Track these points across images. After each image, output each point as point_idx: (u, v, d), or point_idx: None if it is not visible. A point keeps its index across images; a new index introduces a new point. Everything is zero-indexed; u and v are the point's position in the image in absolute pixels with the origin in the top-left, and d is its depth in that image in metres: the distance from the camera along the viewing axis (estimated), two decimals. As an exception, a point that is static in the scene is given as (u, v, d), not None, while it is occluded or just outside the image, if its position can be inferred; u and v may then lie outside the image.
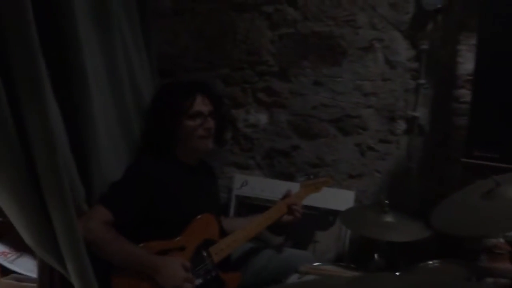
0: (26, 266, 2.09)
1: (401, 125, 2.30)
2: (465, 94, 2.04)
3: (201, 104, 1.79)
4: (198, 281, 1.66)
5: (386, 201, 1.97)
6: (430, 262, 1.68)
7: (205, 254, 1.71)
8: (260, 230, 1.86)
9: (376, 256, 1.83)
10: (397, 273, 1.47)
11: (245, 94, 2.42)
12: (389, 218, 1.93)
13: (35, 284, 1.70)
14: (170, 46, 2.40)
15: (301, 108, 2.37)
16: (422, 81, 2.22)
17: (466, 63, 2.04)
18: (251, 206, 2.45)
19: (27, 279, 2.01)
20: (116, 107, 1.78)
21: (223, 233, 1.83)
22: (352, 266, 1.94)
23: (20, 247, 2.09)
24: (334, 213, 2.33)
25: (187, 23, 2.38)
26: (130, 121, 1.87)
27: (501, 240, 2.20)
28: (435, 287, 0.92)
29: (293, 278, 1.76)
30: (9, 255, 2.17)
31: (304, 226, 2.42)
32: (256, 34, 2.34)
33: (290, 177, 2.43)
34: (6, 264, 2.17)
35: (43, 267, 1.49)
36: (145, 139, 1.86)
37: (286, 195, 1.96)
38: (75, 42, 1.35)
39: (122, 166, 1.71)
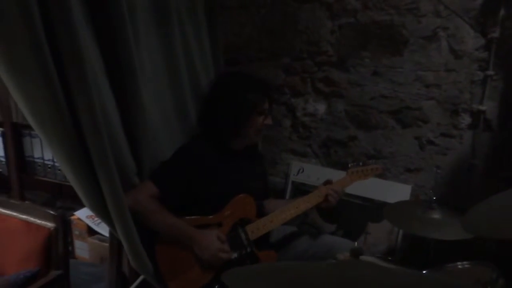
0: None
1: (466, 119, 2.16)
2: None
3: (266, 102, 1.91)
4: (234, 256, 1.80)
5: (434, 197, 1.91)
6: (460, 263, 1.60)
7: (241, 231, 1.84)
8: (297, 213, 1.90)
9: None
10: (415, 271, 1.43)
11: (305, 84, 2.47)
12: (435, 215, 1.87)
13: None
14: (235, 37, 2.55)
15: (359, 98, 2.35)
16: (490, 72, 2.06)
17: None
18: (306, 193, 2.50)
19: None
20: (173, 93, 1.99)
21: (263, 214, 1.93)
22: (389, 258, 1.92)
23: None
24: (388, 206, 2.29)
25: (251, 14, 2.50)
26: (187, 106, 2.07)
27: None
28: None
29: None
30: (95, 219, 2.56)
31: (357, 216, 2.43)
32: (316, 24, 2.37)
33: (345, 167, 2.42)
34: (93, 226, 2.55)
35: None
36: (203, 124, 1.97)
37: (328, 181, 1.99)
38: (124, 38, 1.56)
39: (175, 147, 1.91)
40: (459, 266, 1.58)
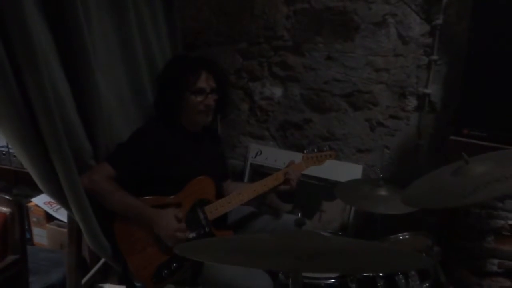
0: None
1: (412, 102, 2.29)
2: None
3: (204, 81, 1.93)
4: (192, 235, 1.85)
5: (381, 175, 2.02)
6: (401, 234, 1.73)
7: (200, 211, 1.89)
8: (254, 195, 1.97)
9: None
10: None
11: (262, 68, 2.53)
12: (382, 192, 1.99)
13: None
14: (193, 21, 2.56)
15: (314, 82, 2.44)
16: (435, 57, 2.18)
17: (481, 39, 1.98)
18: (264, 175, 2.58)
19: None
20: (130, 77, 2.00)
21: (222, 195, 1.99)
22: (340, 233, 2.03)
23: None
24: (341, 185, 2.41)
25: (209, -1, 2.52)
26: (144, 90, 2.08)
27: (510, 222, 2.17)
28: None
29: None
30: (54, 205, 2.54)
31: (312, 196, 2.54)
32: (272, 9, 2.42)
33: (301, 149, 2.51)
34: (51, 212, 2.54)
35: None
36: (155, 106, 2.04)
37: (288, 165, 2.07)
38: (77, 22, 1.56)
39: (132, 130, 1.93)
40: (400, 237, 1.70)
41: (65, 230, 2.14)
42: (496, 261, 2.23)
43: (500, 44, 1.68)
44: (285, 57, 2.46)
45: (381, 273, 1.53)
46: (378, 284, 1.54)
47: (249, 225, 2.11)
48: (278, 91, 2.53)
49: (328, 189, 2.47)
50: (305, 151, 2.10)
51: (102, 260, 2.25)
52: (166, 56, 2.26)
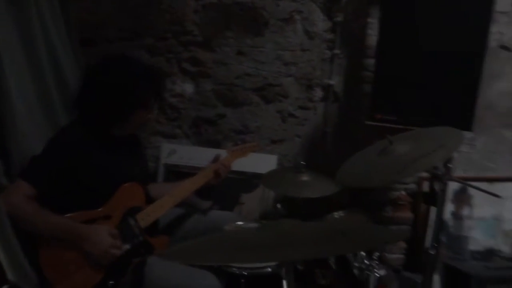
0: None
1: (318, 93, 2.47)
2: (373, 63, 2.23)
3: (155, 96, 1.80)
4: (126, 247, 1.73)
5: (303, 162, 2.15)
6: (336, 213, 1.88)
7: (131, 220, 1.77)
8: (186, 194, 1.93)
9: (278, 205, 2.00)
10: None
11: (170, 64, 2.45)
12: (305, 178, 2.12)
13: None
14: (90, 14, 2.35)
15: (225, 77, 2.46)
16: (337, 51, 2.38)
17: (376, 34, 2.21)
18: (180, 174, 2.53)
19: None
20: (35, 79, 1.77)
21: (151, 200, 1.90)
22: (263, 222, 2.11)
23: None
24: (258, 176, 2.47)
25: (108, -10, 2.34)
26: (50, 93, 1.86)
27: (403, 192, 2.49)
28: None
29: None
30: None
31: (230, 189, 2.57)
32: (180, 3, 2.35)
33: (217, 145, 2.54)
34: None
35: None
36: (80, 109, 1.78)
37: (214, 160, 2.06)
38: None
39: (42, 139, 1.71)
40: (336, 216, 1.86)
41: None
42: (394, 227, 2.55)
43: (404, 40, 1.92)
44: (195, 52, 2.42)
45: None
46: (329, 261, 1.69)
47: (180, 227, 2.06)
48: (189, 88, 2.49)
49: (246, 181, 2.53)
50: (229, 145, 2.13)
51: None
52: (68, 53, 2.03)
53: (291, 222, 1.09)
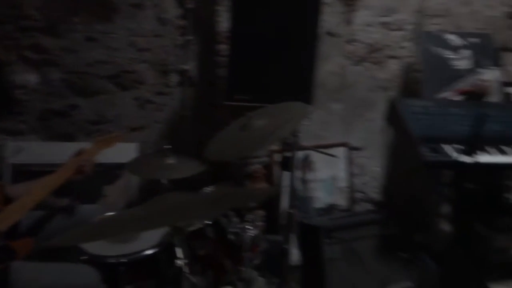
0: None
1: (174, 78, 2.53)
2: (224, 48, 2.39)
3: None
4: (-16, 254, 1.56)
5: (167, 146, 2.20)
6: (207, 188, 2.02)
7: (-15, 224, 1.60)
8: (49, 191, 1.81)
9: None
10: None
11: (8, 52, 2.21)
12: (170, 161, 2.17)
13: None
14: None
15: (75, 65, 2.33)
16: (189, 37, 2.47)
17: (224, 21, 2.38)
18: (31, 173, 2.29)
19: None
20: None
21: (9, 201, 1.73)
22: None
23: None
24: (120, 166, 2.43)
25: None
26: None
27: (258, 166, 2.75)
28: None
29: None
30: None
31: (91, 183, 2.45)
32: (16, -16, 2.13)
33: (70, 138, 2.40)
34: None
35: None
36: None
37: (78, 153, 1.96)
38: None
39: None
40: (207, 191, 1.99)
41: None
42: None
43: (253, 27, 2.12)
44: (37, 38, 2.23)
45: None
46: (206, 231, 1.81)
47: (50, 226, 1.93)
48: (32, 78, 2.28)
49: (106, 173, 2.44)
50: (96, 136, 2.07)
51: None
52: None
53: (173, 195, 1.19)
